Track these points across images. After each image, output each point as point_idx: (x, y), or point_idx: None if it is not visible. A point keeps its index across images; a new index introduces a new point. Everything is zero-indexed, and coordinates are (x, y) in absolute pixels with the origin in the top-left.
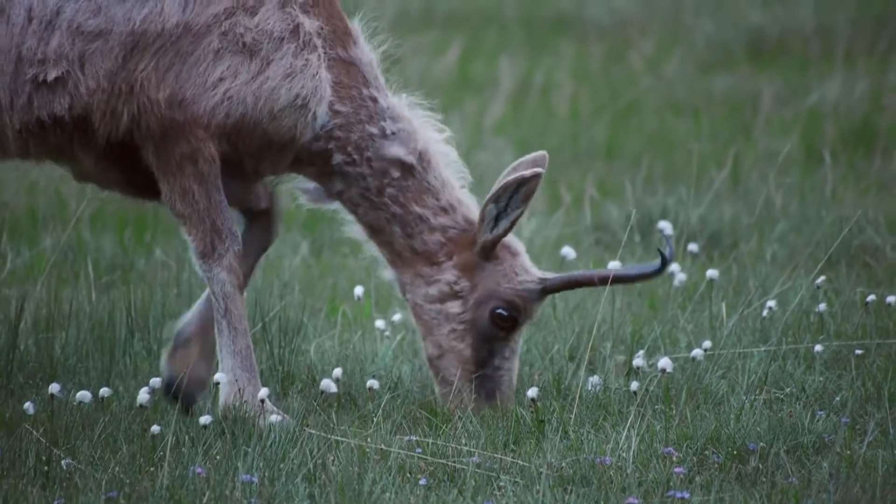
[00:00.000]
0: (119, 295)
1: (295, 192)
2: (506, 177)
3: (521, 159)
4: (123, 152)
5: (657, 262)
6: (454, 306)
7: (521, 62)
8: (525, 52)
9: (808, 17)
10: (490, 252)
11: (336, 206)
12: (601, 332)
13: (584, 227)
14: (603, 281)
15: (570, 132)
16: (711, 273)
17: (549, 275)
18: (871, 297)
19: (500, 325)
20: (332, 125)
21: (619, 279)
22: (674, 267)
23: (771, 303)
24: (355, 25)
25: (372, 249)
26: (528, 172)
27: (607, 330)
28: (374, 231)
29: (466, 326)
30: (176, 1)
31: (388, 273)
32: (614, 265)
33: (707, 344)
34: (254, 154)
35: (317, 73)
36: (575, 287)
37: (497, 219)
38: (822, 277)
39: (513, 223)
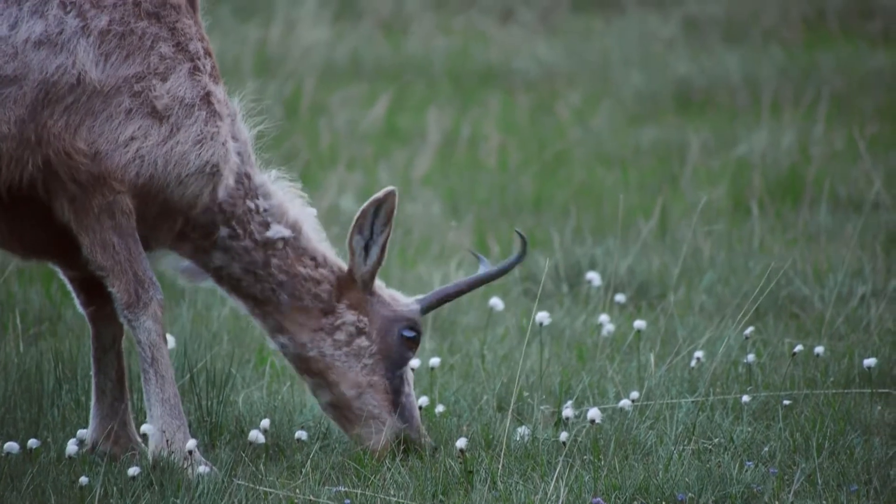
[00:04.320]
0: (47, 346)
1: (171, 271)
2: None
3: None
4: (17, 207)
5: (517, 253)
6: (362, 341)
7: (448, 114)
8: (453, 104)
9: (734, 69)
10: (370, 285)
11: (210, 283)
12: (529, 382)
13: (512, 278)
14: (472, 286)
15: (498, 184)
16: (639, 323)
17: (420, 297)
18: (799, 348)
19: (410, 346)
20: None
21: (483, 279)
22: (602, 317)
23: (699, 353)
24: (234, 104)
25: (254, 322)
26: (380, 193)
27: (535, 380)
28: (258, 302)
29: (377, 357)
30: (89, 57)
31: (274, 342)
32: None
33: (635, 394)
34: (150, 221)
35: (226, 141)
36: (448, 300)
37: (366, 248)
38: (751, 328)
39: (383, 248)
